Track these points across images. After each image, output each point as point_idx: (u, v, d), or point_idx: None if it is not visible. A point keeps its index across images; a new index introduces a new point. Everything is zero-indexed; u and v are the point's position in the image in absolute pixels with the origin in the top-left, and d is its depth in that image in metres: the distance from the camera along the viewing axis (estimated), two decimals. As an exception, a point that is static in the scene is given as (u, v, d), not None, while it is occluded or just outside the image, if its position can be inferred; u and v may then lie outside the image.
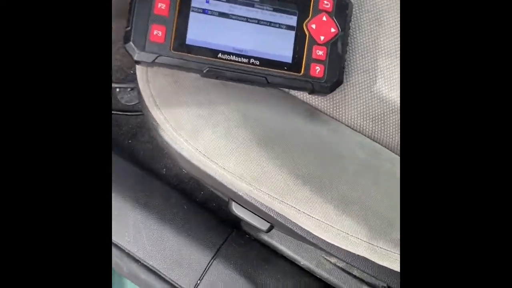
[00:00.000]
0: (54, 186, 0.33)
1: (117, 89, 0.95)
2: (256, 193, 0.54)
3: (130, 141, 0.93)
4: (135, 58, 0.55)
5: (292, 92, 0.63)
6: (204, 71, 0.55)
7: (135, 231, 0.76)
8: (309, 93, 0.61)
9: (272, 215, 0.58)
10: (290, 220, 0.56)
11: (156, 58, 0.55)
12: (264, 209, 0.57)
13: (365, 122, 0.63)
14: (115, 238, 0.76)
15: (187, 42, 0.55)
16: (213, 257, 0.74)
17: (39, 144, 0.33)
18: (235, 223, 0.81)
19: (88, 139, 0.35)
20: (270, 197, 0.54)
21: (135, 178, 0.82)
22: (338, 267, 0.76)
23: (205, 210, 0.80)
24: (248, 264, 0.75)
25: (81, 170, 0.34)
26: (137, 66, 0.60)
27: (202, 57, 0.55)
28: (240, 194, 0.56)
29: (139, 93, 0.60)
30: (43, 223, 0.32)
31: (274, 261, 0.76)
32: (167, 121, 0.56)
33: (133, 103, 0.95)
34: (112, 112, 0.95)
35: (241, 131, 0.55)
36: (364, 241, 0.53)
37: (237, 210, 0.69)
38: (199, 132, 0.55)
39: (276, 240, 0.78)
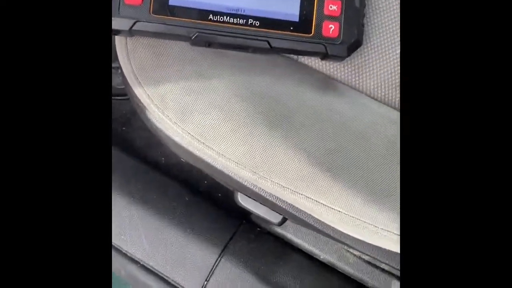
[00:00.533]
0: (51, 181, 0.32)
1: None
2: (263, 182, 0.45)
3: (124, 128, 0.84)
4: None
5: (301, 58, 0.53)
6: (193, 38, 0.45)
7: (132, 229, 0.68)
8: (322, 59, 0.50)
9: (284, 207, 0.48)
10: (305, 212, 0.47)
11: (133, 24, 0.45)
12: (274, 200, 0.48)
13: (390, 91, 0.53)
14: (109, 237, 0.67)
15: (170, 3, 0.45)
16: (220, 254, 0.66)
17: (34, 139, 0.32)
18: (244, 215, 0.72)
19: (85, 127, 0.33)
20: (280, 186, 0.45)
21: (130, 169, 0.73)
22: (363, 260, 0.67)
23: (210, 202, 0.71)
24: (260, 261, 0.66)
25: (79, 163, 0.32)
26: (116, 38, 0.50)
27: (189, 20, 0.45)
28: (245, 184, 0.46)
29: (120, 69, 0.51)
30: (39, 222, 0.31)
31: (290, 256, 0.67)
32: (151, 101, 0.47)
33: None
34: (103, 97, 0.85)
35: (240, 108, 0.46)
36: (397, 235, 0.44)
37: (244, 202, 0.60)
38: (189, 112, 0.45)
39: (291, 233, 0.69)
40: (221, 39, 0.46)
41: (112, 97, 0.85)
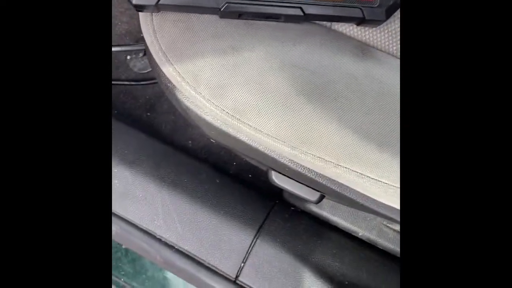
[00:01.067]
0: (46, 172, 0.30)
1: (128, 57, 0.84)
2: (303, 157, 0.43)
3: (148, 114, 0.83)
4: (134, 1, 0.43)
5: (335, 25, 0.50)
6: (222, 9, 0.43)
7: (165, 214, 0.67)
8: (358, 24, 0.48)
9: (323, 182, 0.46)
10: (348, 187, 0.45)
11: (160, -2, 0.43)
12: (313, 176, 0.46)
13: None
14: (143, 223, 0.66)
15: (196, -27, 0.43)
16: (255, 235, 0.64)
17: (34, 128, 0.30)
18: (277, 194, 0.70)
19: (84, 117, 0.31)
20: (322, 160, 0.42)
21: (159, 154, 0.71)
22: (404, 235, 0.64)
23: (241, 183, 0.70)
24: (297, 241, 0.64)
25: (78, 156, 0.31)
26: (141, 16, 0.48)
27: (218, -10, 0.43)
28: (282, 161, 0.44)
29: (146, 49, 0.49)
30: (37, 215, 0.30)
31: (327, 234, 0.65)
32: (183, 79, 0.45)
33: (147, 71, 0.84)
34: (126, 83, 0.84)
35: (277, 81, 0.43)
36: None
37: (279, 180, 0.58)
38: (224, 87, 0.43)
39: (327, 211, 0.67)
40: (252, 8, 0.44)
41: (135, 83, 0.84)
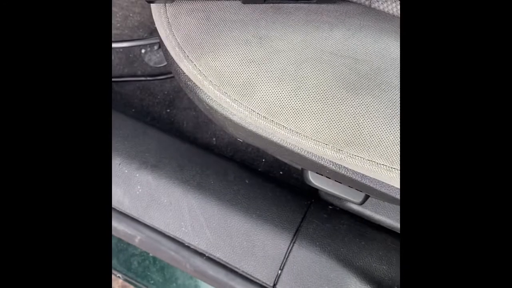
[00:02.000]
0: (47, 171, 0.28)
1: (142, 50, 0.78)
2: (350, 161, 0.37)
3: (168, 110, 0.77)
4: (144, -9, 0.37)
5: (375, 3, 0.43)
6: (246, -7, 0.37)
7: (192, 219, 0.62)
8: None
9: (372, 185, 0.40)
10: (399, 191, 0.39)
11: (173, -14, 0.37)
12: (361, 180, 0.40)
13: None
14: (170, 231, 0.62)
15: (213, -47, 0.37)
16: (292, 239, 0.59)
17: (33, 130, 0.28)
18: (312, 192, 0.64)
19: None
20: (373, 164, 0.36)
21: (182, 155, 0.66)
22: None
23: (272, 182, 0.64)
24: (338, 243, 0.58)
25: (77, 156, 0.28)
26: (153, 7, 0.42)
27: (240, -29, 0.37)
28: (324, 163, 0.38)
29: (161, 44, 0.43)
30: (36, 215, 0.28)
31: (372, 234, 0.59)
32: (205, 78, 0.39)
33: (163, 64, 0.79)
34: (142, 78, 0.79)
35: (315, 74, 0.37)
36: None
37: (317, 181, 0.52)
38: (253, 85, 0.37)
39: (369, 208, 0.61)
40: (280, -9, 0.37)
41: (151, 78, 0.78)
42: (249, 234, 0.60)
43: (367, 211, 0.61)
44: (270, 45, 0.38)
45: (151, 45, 0.76)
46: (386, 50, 0.39)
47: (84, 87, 0.29)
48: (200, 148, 0.68)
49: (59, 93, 0.28)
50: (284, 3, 0.40)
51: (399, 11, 0.43)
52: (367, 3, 0.43)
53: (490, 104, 0.27)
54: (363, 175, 0.39)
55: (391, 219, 0.60)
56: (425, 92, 0.28)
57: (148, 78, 0.79)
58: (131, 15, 0.79)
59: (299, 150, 0.39)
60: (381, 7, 0.43)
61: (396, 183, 0.37)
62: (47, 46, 0.29)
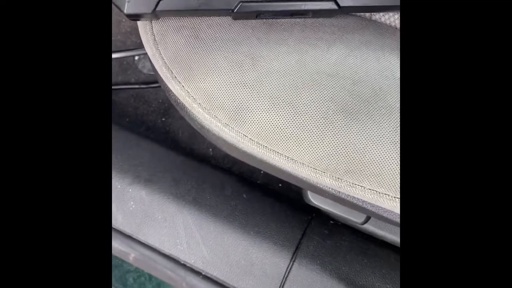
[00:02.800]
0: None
1: (136, 57, 0.76)
2: (350, 190, 0.34)
3: (163, 119, 0.75)
4: (126, 11, 0.35)
5: (377, 15, 0.40)
6: (236, 10, 0.34)
7: (188, 236, 0.60)
8: (406, 14, 0.38)
9: (372, 210, 0.38)
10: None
11: (157, 3, 0.35)
12: (359, 204, 0.38)
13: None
14: (165, 248, 0.60)
15: (201, -32, 0.34)
16: (292, 258, 0.56)
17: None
18: (313, 206, 0.62)
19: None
20: (375, 193, 0.34)
21: (177, 168, 0.64)
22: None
23: (271, 196, 0.62)
24: (340, 261, 0.56)
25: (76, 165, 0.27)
26: (139, 23, 0.40)
27: (229, -13, 0.34)
28: (326, 189, 0.36)
29: (150, 62, 0.40)
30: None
31: (374, 251, 0.57)
32: (194, 100, 0.36)
33: (158, 71, 0.76)
34: (136, 86, 0.76)
35: (311, 97, 0.34)
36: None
37: (316, 200, 0.50)
38: (245, 109, 0.35)
39: (372, 224, 0.58)
40: (272, 6, 0.35)
41: (145, 86, 0.76)
42: (247, 252, 0.58)
43: (370, 226, 0.59)
44: (263, 66, 0.35)
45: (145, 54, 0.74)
46: (388, 69, 0.36)
47: (84, 101, 0.27)
48: (196, 160, 0.65)
49: (59, 110, 0.27)
50: (278, 18, 0.37)
51: (402, 23, 0.40)
52: (367, 15, 0.40)
53: (495, 129, 0.25)
54: (364, 201, 0.37)
55: (395, 235, 0.58)
56: (427, 117, 0.25)
57: (142, 86, 0.76)
58: (123, 20, 0.76)
59: (295, 174, 0.36)
60: (382, 19, 0.40)
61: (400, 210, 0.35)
62: (44, 62, 0.27)
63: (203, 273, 0.59)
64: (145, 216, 0.61)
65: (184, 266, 0.60)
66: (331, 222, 0.60)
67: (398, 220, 0.39)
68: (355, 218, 0.49)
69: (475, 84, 0.25)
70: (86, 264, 0.27)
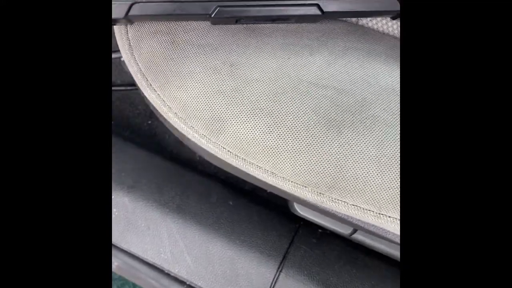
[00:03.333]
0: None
1: (121, 58, 0.73)
2: (333, 205, 0.33)
3: (149, 122, 0.73)
4: (96, 14, 0.33)
5: (363, 21, 0.39)
6: (213, 14, 0.32)
7: (172, 245, 0.58)
8: (393, 18, 0.36)
9: (361, 225, 0.36)
10: (390, 232, 0.35)
11: (130, 7, 0.33)
12: (344, 217, 0.36)
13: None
14: (148, 257, 0.58)
15: (175, -30, 0.32)
16: (278, 268, 0.55)
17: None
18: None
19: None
20: (358, 209, 0.32)
21: (162, 174, 0.62)
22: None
23: (258, 203, 0.60)
24: (328, 271, 0.54)
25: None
26: (115, 28, 0.38)
27: (205, -10, 0.32)
28: (309, 201, 0.34)
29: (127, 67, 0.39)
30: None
31: (364, 261, 0.55)
32: (169, 109, 0.35)
33: (144, 73, 0.74)
34: (121, 88, 0.74)
35: (292, 108, 0.33)
36: None
37: (303, 211, 0.48)
38: (223, 119, 0.33)
39: (361, 233, 0.57)
40: (253, 11, 0.33)
41: (131, 87, 0.74)
42: (232, 262, 0.56)
43: (359, 236, 0.57)
44: (242, 74, 0.33)
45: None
46: (373, 77, 0.34)
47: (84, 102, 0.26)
48: (182, 166, 0.63)
49: (59, 111, 0.26)
50: (259, 23, 0.35)
51: (389, 28, 0.38)
52: (353, 20, 0.38)
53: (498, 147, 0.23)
54: (352, 217, 0.35)
55: (385, 244, 0.56)
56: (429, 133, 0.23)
57: (128, 88, 0.74)
58: (109, 20, 0.74)
59: (279, 187, 0.34)
60: (369, 24, 0.39)
61: (385, 227, 0.33)
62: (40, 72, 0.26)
63: (187, 283, 0.57)
64: (128, 223, 0.59)
65: (168, 275, 0.58)
66: (320, 230, 0.58)
67: (385, 234, 0.38)
68: (342, 229, 0.47)
69: (480, 97, 0.24)
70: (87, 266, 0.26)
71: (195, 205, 0.59)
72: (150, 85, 0.35)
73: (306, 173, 0.32)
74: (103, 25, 0.27)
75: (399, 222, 0.32)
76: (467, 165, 0.23)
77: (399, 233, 0.33)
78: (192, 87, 0.34)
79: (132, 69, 0.36)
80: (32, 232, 0.25)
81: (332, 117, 0.32)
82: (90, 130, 0.26)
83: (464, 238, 0.23)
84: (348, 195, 0.32)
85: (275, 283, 0.54)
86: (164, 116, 0.36)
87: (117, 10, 0.33)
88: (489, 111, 0.23)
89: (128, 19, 0.33)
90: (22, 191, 0.25)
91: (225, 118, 0.33)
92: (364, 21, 0.38)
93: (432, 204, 0.23)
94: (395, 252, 0.55)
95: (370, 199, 0.31)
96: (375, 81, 0.34)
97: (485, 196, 0.23)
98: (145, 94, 0.36)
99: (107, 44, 0.27)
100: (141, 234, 0.59)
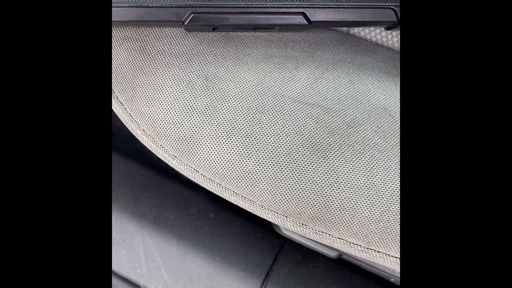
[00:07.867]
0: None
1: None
2: (317, 237, 0.29)
3: (129, 126, 0.69)
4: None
5: (355, 30, 0.35)
6: (186, 22, 0.29)
7: (148, 260, 0.54)
8: (388, 29, 0.33)
9: (343, 250, 0.33)
10: (380, 265, 0.32)
11: (93, 11, 0.29)
12: (329, 246, 0.33)
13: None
14: (123, 271, 0.55)
15: (143, -29, 0.29)
16: (261, 286, 0.51)
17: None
18: (286, 228, 0.57)
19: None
20: (344, 242, 0.29)
21: (137, 182, 0.58)
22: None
23: (241, 215, 0.57)
24: (313, 291, 0.51)
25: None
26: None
27: (178, -6, 0.29)
28: (289, 229, 0.31)
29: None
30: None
31: (352, 280, 0.52)
32: (137, 126, 0.31)
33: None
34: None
35: (273, 129, 0.29)
36: None
37: (287, 231, 0.45)
38: (196, 140, 0.29)
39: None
40: (231, 19, 0.29)
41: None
42: (212, 279, 0.53)
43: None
44: (219, 89, 0.30)
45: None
46: (364, 94, 0.31)
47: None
48: (161, 174, 0.60)
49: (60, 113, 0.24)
50: (239, 31, 0.32)
51: (383, 38, 0.35)
52: (344, 29, 0.35)
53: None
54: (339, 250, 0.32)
55: (373, 262, 0.53)
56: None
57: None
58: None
59: (259, 214, 0.31)
60: (361, 34, 0.35)
61: (375, 261, 0.30)
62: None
63: (164, 300, 0.54)
64: (102, 236, 0.55)
65: (143, 291, 0.55)
66: (305, 248, 0.55)
67: (373, 264, 0.35)
68: (328, 251, 0.44)
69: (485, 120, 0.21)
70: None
71: (173, 217, 0.56)
72: (117, 97, 0.31)
73: (286, 202, 0.28)
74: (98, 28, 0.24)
75: (389, 257, 0.29)
76: (475, 202, 0.20)
77: (388, 266, 0.30)
78: (162, 102, 0.30)
79: (98, 78, 0.33)
80: (29, 235, 0.23)
81: (317, 140, 0.29)
82: (91, 130, 0.24)
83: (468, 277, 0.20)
84: (334, 227, 0.28)
85: (257, 302, 0.51)
86: (132, 132, 0.32)
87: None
88: (494, 134, 0.20)
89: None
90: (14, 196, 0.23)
91: (198, 138, 0.29)
92: (355, 30, 0.35)
93: (438, 245, 0.20)
94: (384, 271, 0.52)
95: (358, 233, 0.28)
96: (365, 99, 0.31)
97: (490, 235, 0.20)
98: (113, 107, 0.33)
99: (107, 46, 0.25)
100: (116, 247, 0.55)
